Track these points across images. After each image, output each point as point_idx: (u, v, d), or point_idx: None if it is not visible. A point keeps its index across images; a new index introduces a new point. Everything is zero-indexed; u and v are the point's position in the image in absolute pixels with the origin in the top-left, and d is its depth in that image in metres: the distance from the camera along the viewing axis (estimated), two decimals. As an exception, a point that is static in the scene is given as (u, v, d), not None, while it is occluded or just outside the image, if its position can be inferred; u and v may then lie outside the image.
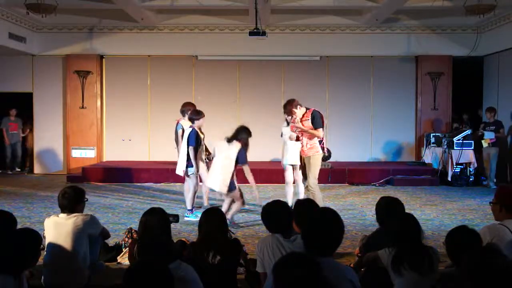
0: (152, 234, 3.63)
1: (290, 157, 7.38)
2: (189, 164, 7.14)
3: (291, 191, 7.49)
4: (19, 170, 12.92)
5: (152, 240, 3.14)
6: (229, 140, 6.68)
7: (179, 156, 7.33)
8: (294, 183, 7.54)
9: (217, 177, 6.64)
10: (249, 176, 6.73)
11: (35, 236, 3.23)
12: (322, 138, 6.95)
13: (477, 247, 2.97)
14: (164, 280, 2.38)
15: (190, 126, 7.23)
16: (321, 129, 6.89)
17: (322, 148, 6.95)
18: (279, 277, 2.32)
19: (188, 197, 7.29)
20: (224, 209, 6.68)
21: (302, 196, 7.18)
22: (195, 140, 7.07)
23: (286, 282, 2.28)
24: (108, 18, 12.24)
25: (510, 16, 11.00)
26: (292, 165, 7.46)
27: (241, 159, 6.64)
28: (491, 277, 2.33)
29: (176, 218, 4.68)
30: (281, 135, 7.68)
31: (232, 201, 6.86)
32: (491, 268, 2.36)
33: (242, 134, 6.68)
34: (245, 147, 6.70)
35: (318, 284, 2.26)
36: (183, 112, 7.63)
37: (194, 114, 7.25)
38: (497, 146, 10.61)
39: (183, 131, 7.36)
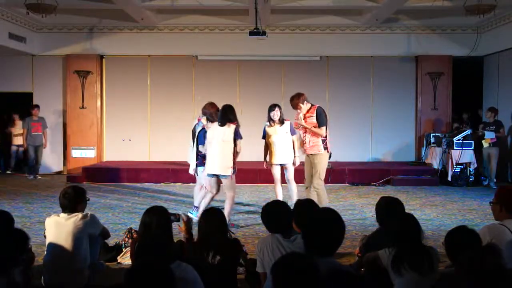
0: (152, 233, 3.63)
1: (279, 157, 7.32)
2: (198, 164, 7.13)
3: (281, 190, 7.44)
4: (40, 177, 11.76)
5: (152, 240, 3.13)
6: (222, 123, 6.65)
7: (191, 156, 7.31)
8: (284, 183, 7.48)
9: (217, 161, 6.60)
10: (239, 151, 6.76)
11: (21, 237, 3.24)
12: (326, 137, 6.80)
13: (477, 247, 2.97)
14: (166, 280, 2.38)
15: (202, 126, 7.22)
16: (324, 127, 6.75)
17: (325, 148, 6.78)
18: (277, 277, 2.33)
19: (200, 194, 7.27)
20: (205, 203, 6.79)
21: (295, 195, 7.13)
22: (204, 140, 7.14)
23: (285, 283, 2.28)
24: (108, 18, 12.24)
25: (510, 16, 11.00)
26: (281, 164, 7.40)
27: (237, 135, 6.70)
28: (487, 277, 2.34)
29: (177, 217, 4.68)
30: (263, 137, 7.55)
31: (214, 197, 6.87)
32: (487, 268, 2.36)
33: (231, 115, 6.68)
34: (238, 126, 6.75)
35: (316, 284, 2.26)
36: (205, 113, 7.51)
37: (215, 115, 7.16)
38: (497, 146, 10.61)
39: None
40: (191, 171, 7.30)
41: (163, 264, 2.47)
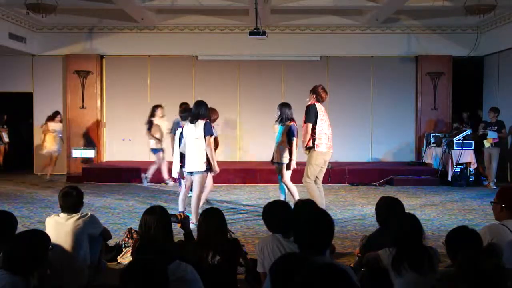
0: (150, 233, 3.64)
1: (274, 156, 7.39)
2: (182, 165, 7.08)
3: (284, 189, 7.47)
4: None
5: (150, 240, 3.14)
6: (193, 120, 6.57)
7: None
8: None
9: (191, 159, 6.56)
10: (208, 149, 6.50)
11: (44, 238, 3.25)
12: (314, 134, 6.74)
13: (476, 247, 2.97)
14: (158, 280, 2.38)
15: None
16: (310, 124, 6.73)
17: (313, 145, 6.73)
18: (275, 278, 2.33)
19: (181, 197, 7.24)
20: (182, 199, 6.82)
21: (290, 197, 7.07)
22: None
23: (283, 283, 2.29)
24: (108, 18, 12.24)
25: (510, 16, 11.00)
26: (274, 163, 7.43)
27: (206, 131, 6.50)
28: (482, 278, 2.34)
29: (178, 218, 4.67)
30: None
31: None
32: (482, 269, 2.36)
33: (202, 111, 6.55)
34: (209, 120, 6.64)
35: (313, 283, 2.25)
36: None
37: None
38: (498, 147, 10.62)
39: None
40: (175, 174, 7.21)
41: (157, 263, 2.46)
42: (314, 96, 6.91)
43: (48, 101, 12.73)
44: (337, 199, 9.03)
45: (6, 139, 12.73)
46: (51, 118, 11.48)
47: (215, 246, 3.62)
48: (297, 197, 6.98)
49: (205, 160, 6.48)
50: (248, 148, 12.51)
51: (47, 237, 3.32)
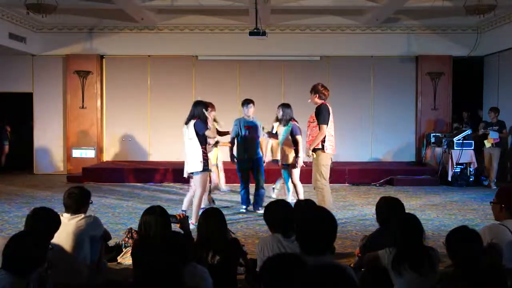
0: (150, 233, 3.64)
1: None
2: None
3: (290, 188, 7.63)
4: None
5: (163, 240, 3.15)
6: (187, 122, 6.56)
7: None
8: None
9: (189, 159, 6.57)
10: (210, 136, 6.62)
11: (44, 238, 3.25)
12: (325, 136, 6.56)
13: (476, 247, 2.97)
14: (175, 282, 2.38)
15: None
16: (324, 125, 6.43)
17: (322, 146, 6.51)
18: (265, 277, 2.34)
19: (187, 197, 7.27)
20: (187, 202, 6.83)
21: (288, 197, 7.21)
22: None
23: (276, 282, 2.29)
24: (108, 18, 12.24)
25: (510, 16, 11.00)
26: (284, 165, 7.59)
27: (198, 129, 6.43)
28: (482, 278, 2.34)
29: (177, 218, 4.67)
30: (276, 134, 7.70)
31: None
32: (482, 269, 2.36)
33: (196, 111, 6.50)
34: (202, 119, 6.51)
35: (306, 283, 2.25)
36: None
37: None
38: (499, 147, 10.62)
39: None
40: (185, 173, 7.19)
41: (177, 264, 2.46)
42: (317, 95, 6.59)
43: (48, 101, 12.74)
44: (337, 199, 9.02)
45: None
46: None
47: (215, 246, 3.63)
48: (301, 198, 7.01)
49: (201, 159, 6.45)
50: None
51: (46, 238, 3.32)
